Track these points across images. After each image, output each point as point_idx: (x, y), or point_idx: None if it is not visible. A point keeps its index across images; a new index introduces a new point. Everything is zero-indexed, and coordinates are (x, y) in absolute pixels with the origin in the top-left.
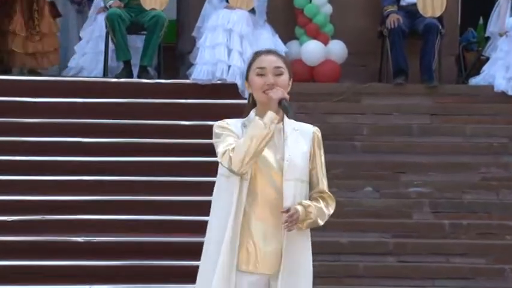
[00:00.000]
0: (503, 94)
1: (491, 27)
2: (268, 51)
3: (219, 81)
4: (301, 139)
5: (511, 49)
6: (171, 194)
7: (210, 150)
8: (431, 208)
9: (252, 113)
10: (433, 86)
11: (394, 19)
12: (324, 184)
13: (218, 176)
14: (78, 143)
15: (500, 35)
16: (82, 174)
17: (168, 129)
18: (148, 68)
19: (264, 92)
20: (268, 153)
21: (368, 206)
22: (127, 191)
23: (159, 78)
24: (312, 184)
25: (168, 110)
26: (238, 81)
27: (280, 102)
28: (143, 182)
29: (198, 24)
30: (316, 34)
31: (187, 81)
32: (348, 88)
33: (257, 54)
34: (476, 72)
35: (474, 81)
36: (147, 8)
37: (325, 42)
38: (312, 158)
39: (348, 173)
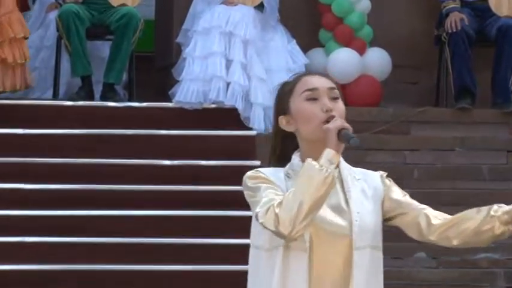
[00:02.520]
0: None
1: None
2: (312, 73)
3: (213, 105)
4: (367, 190)
5: None
6: (150, 262)
7: (202, 201)
8: (508, 281)
9: (296, 157)
10: (510, 112)
11: (457, 19)
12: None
13: (253, 249)
14: (16, 192)
15: None
16: (22, 233)
17: (144, 172)
18: (116, 87)
19: (323, 122)
20: (326, 211)
21: (421, 279)
22: (88, 258)
23: (130, 100)
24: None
25: (143, 144)
26: (240, 105)
27: (340, 133)
28: (109, 245)
29: (185, 26)
30: (349, 40)
31: (170, 104)
32: (393, 114)
33: (296, 77)
34: None
35: None
36: (115, 4)
37: (362, 51)
38: (389, 198)
39: (393, 233)
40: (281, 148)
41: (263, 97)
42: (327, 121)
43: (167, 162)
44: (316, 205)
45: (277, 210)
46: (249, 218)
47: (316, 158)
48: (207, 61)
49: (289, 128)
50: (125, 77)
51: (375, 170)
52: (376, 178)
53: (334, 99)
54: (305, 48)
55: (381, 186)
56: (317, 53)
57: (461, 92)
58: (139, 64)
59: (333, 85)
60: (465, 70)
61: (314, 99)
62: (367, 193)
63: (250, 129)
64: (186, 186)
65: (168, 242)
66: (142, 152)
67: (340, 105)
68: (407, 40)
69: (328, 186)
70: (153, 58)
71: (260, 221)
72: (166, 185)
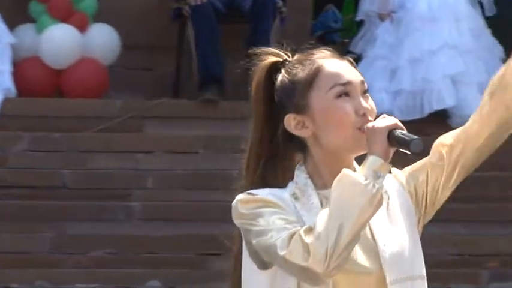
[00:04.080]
0: None
1: (366, 5)
2: (328, 53)
3: None
4: (391, 204)
5: (400, 42)
6: None
7: None
8: None
9: (301, 173)
10: None
11: None
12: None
13: (246, 261)
14: None
15: (381, 19)
16: None
17: None
18: None
19: (360, 127)
20: None
21: None
22: None
23: None
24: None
25: None
26: None
27: (391, 135)
28: None
29: None
30: (67, 14)
31: None
32: (122, 108)
33: (315, 66)
34: None
35: None
36: None
37: (82, 28)
38: (415, 178)
39: (128, 258)
40: (270, 163)
41: None
42: (360, 128)
43: None
44: (359, 231)
45: (307, 239)
46: None
47: (335, 174)
48: None
49: (301, 132)
50: None
51: (100, 179)
52: (391, 182)
53: (365, 93)
54: (11, 24)
55: (401, 188)
56: (26, 30)
57: (207, 80)
58: None
59: (361, 77)
60: (212, 53)
61: (346, 95)
62: (391, 208)
63: None
64: None
65: None
66: None
67: (372, 102)
68: (139, 14)
69: (376, 207)
70: None
71: (281, 253)
72: None
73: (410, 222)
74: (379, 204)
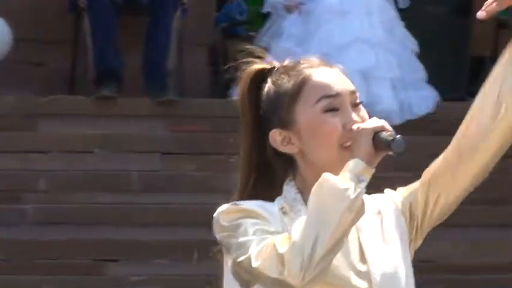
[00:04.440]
0: None
1: None
2: (317, 61)
3: None
4: (384, 224)
5: (308, 35)
6: None
7: None
8: None
9: (291, 188)
10: (167, 102)
11: None
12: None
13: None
14: None
15: (288, 10)
16: None
17: None
18: None
19: (344, 144)
20: (337, 259)
21: None
22: None
23: None
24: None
25: None
26: None
27: (376, 137)
28: None
29: None
30: None
31: None
32: (14, 105)
33: (301, 77)
34: None
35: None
36: None
37: None
38: (408, 201)
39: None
40: (261, 179)
41: None
42: (342, 145)
43: None
44: (339, 241)
45: (280, 249)
46: None
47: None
48: None
49: (287, 149)
50: None
51: None
52: (386, 202)
53: (356, 106)
54: None
55: (395, 210)
56: None
57: (104, 75)
58: None
59: (353, 86)
60: (109, 47)
61: (336, 110)
62: (385, 229)
63: None
64: None
65: None
66: None
67: (364, 114)
68: (31, 6)
69: (356, 214)
70: None
71: (254, 265)
72: None
73: (404, 244)
74: (361, 211)
